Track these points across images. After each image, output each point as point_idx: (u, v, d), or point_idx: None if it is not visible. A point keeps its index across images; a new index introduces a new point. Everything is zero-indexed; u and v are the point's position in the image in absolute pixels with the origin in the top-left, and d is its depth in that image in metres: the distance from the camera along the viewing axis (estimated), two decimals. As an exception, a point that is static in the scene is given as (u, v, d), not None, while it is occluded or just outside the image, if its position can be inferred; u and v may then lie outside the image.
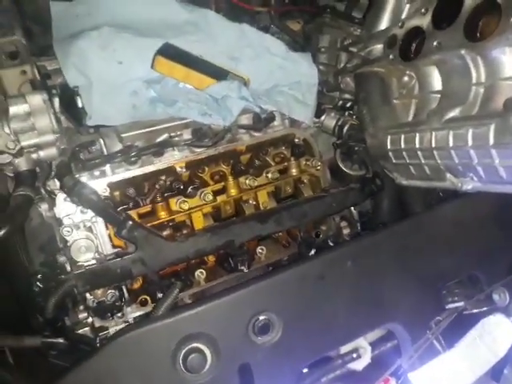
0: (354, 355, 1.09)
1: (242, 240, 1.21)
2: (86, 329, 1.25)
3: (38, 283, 1.09)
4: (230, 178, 1.35)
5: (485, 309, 1.15)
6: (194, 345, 0.88)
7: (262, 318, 0.92)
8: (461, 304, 1.14)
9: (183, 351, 0.87)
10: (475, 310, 1.15)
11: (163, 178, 1.33)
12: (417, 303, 1.11)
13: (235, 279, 1.37)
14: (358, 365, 1.11)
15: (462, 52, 1.08)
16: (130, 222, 1.07)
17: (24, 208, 1.10)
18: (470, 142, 1.04)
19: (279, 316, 0.94)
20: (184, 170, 1.32)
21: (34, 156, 1.19)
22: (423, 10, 1.19)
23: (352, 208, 1.53)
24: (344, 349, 1.10)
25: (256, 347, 0.93)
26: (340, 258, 1.02)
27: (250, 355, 0.92)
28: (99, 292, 1.14)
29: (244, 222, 1.23)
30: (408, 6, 1.33)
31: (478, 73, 1.08)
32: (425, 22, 1.19)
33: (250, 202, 1.39)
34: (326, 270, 0.99)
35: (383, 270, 1.07)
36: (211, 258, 1.39)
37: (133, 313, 1.28)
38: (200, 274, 1.34)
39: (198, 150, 1.34)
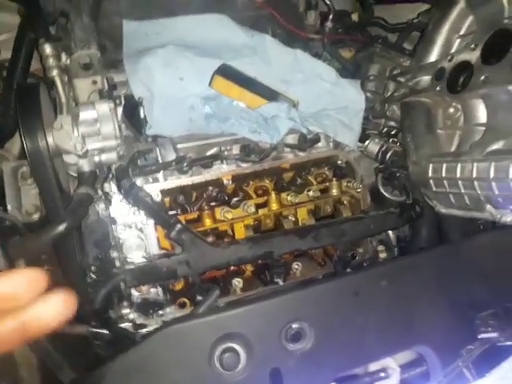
0: (383, 374, 1.11)
1: (281, 252, 1.27)
2: (128, 324, 1.34)
3: (91, 275, 1.18)
4: (273, 193, 1.42)
5: (518, 342, 1.14)
6: (230, 344, 0.93)
7: (295, 326, 0.97)
8: (494, 335, 1.14)
9: (220, 349, 0.93)
10: (509, 343, 1.15)
11: (210, 188, 1.42)
12: (449, 329, 1.12)
13: (270, 292, 1.43)
14: (386, 385, 1.13)
15: (510, 87, 1.11)
16: (179, 226, 1.15)
17: (85, 205, 1.20)
18: (511, 175, 1.06)
19: (312, 326, 0.98)
20: (230, 182, 1.40)
21: (96, 159, 1.29)
22: (473, 46, 1.23)
23: (390, 233, 1.56)
24: (372, 367, 1.13)
25: (287, 353, 0.97)
26: (375, 276, 1.05)
27: (281, 360, 0.96)
28: (144, 288, 1.23)
29: (284, 235, 1.29)
30: (458, 40, 1.39)
31: (525, 108, 1.11)
32: (473, 56, 1.22)
33: (290, 217, 1.45)
34: (360, 287, 1.02)
35: (418, 293, 1.09)
36: (249, 268, 1.45)
37: (171, 314, 1.35)
38: (237, 282, 1.39)
39: (245, 164, 1.43)
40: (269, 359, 0.96)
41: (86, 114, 1.24)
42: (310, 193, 1.44)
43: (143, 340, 0.93)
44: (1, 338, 0.46)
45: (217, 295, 1.09)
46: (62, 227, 1.14)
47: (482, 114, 1.26)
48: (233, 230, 1.39)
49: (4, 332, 0.46)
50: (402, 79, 1.53)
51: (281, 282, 1.35)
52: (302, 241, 1.27)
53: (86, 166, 1.28)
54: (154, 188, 1.31)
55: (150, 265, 1.16)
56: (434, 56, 1.43)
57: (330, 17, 1.70)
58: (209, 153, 1.40)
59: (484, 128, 1.24)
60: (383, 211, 1.38)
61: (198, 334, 0.93)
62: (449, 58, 1.32)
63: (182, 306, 1.36)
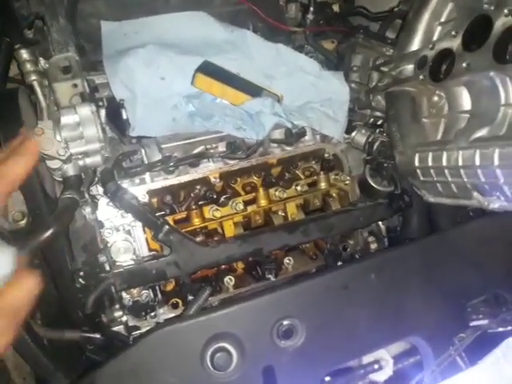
0: (376, 366, 1.11)
1: (270, 248, 1.27)
2: (121, 327, 1.33)
3: (80, 280, 1.17)
4: (261, 190, 1.41)
5: (510, 328, 1.15)
6: (222, 344, 0.93)
7: (285, 322, 0.97)
8: (485, 322, 1.15)
9: (211, 349, 0.92)
10: (500, 329, 1.15)
11: (198, 187, 1.41)
12: (440, 319, 1.13)
13: (262, 288, 1.42)
14: (380, 376, 1.13)
15: (491, 74, 1.11)
16: (167, 227, 1.14)
17: (71, 210, 1.18)
18: (496, 162, 1.06)
19: (302, 322, 0.98)
20: (218, 180, 1.39)
21: (81, 162, 1.28)
22: (453, 33, 1.23)
23: (380, 223, 1.56)
24: (366, 359, 1.13)
25: (280, 351, 0.97)
26: (364, 269, 1.05)
27: (274, 358, 0.96)
28: (135, 291, 1.22)
29: (273, 232, 1.28)
30: (439, 28, 1.38)
31: (507, 94, 1.11)
32: (455, 44, 1.22)
33: (279, 213, 1.45)
34: (349, 281, 1.03)
35: (407, 284, 1.09)
36: (240, 266, 1.45)
37: (164, 314, 1.35)
38: (229, 280, 1.39)
39: (232, 161, 1.42)
40: (261, 357, 0.96)
41: (67, 119, 1.22)
42: (298, 187, 1.44)
43: (133, 344, 0.92)
44: None
45: (207, 295, 1.09)
46: (47, 233, 1.12)
47: (465, 101, 1.25)
48: (222, 228, 1.38)
49: None
50: (385, 69, 1.53)
51: (272, 278, 1.34)
52: (290, 236, 1.27)
53: (70, 170, 1.26)
54: (141, 189, 1.30)
55: (138, 267, 1.15)
56: (415, 44, 1.42)
57: (311, 9, 1.68)
58: (194, 151, 1.39)
59: (468, 115, 1.24)
60: (371, 203, 1.38)
61: (189, 336, 0.93)
62: (430, 46, 1.31)
63: (175, 306, 1.35)
